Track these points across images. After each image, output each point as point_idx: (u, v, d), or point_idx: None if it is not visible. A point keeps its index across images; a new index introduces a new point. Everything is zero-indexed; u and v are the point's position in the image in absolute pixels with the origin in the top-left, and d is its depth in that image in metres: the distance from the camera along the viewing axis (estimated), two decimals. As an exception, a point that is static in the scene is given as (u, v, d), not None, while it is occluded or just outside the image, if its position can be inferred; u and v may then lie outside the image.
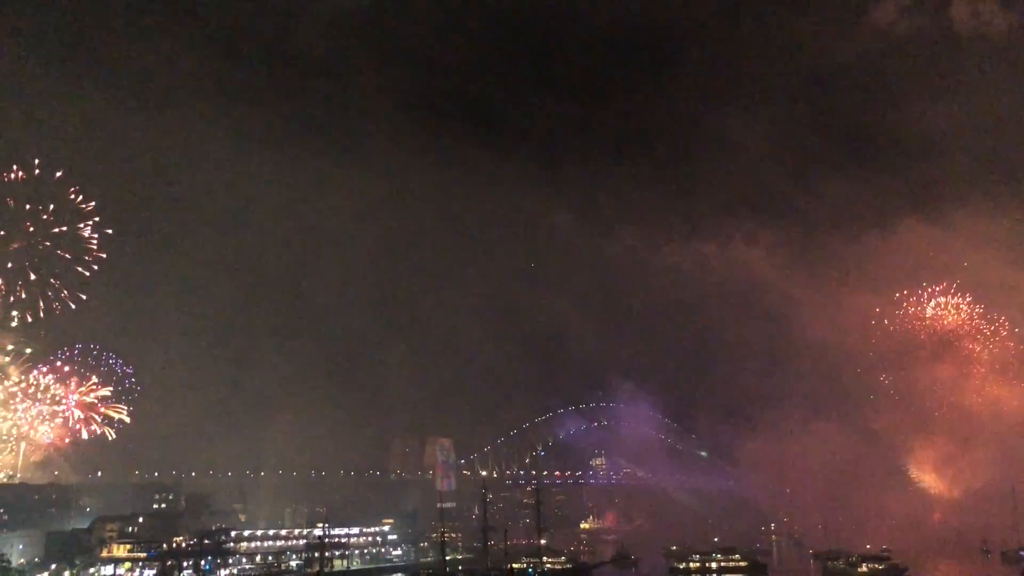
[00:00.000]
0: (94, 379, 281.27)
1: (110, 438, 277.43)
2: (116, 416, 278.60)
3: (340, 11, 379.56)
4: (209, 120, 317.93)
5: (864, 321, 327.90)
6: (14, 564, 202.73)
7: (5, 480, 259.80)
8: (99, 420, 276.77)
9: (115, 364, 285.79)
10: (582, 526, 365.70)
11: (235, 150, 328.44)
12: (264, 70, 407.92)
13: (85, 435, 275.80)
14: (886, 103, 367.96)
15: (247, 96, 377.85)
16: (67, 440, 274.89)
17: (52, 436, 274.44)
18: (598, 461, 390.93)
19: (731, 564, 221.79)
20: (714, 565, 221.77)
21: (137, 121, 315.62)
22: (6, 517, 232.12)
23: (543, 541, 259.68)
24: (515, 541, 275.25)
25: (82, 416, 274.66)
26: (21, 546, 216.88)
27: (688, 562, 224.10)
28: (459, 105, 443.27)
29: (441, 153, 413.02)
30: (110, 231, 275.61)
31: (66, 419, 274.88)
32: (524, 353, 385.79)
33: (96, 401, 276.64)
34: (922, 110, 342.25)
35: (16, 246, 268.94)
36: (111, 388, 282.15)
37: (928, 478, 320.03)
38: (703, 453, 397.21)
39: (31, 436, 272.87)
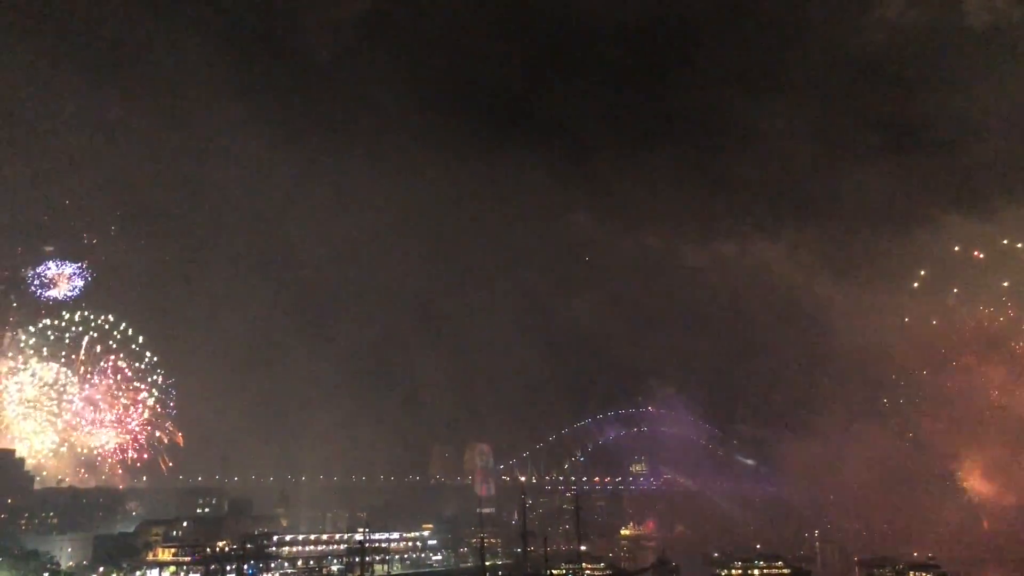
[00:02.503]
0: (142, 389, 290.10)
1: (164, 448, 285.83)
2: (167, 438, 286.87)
3: (357, 10, 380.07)
4: (236, 124, 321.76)
5: (906, 321, 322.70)
6: (64, 566, 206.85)
7: (55, 485, 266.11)
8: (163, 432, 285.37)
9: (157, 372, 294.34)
10: (622, 532, 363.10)
11: (261, 155, 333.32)
12: (285, 72, 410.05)
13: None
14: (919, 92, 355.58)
15: (271, 99, 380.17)
16: (127, 450, 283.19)
17: (113, 444, 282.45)
18: (638, 467, 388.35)
19: (774, 571, 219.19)
20: (757, 572, 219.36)
21: (160, 124, 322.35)
22: (56, 520, 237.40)
23: (583, 547, 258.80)
24: (555, 547, 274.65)
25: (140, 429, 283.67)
26: (70, 549, 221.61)
27: (730, 569, 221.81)
28: (482, 100, 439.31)
29: (465, 150, 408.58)
30: (143, 242, 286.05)
31: (132, 431, 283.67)
32: (560, 356, 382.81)
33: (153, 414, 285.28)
34: (955, 100, 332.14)
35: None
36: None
37: (977, 484, 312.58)
38: (744, 459, 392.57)
39: (84, 441, 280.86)
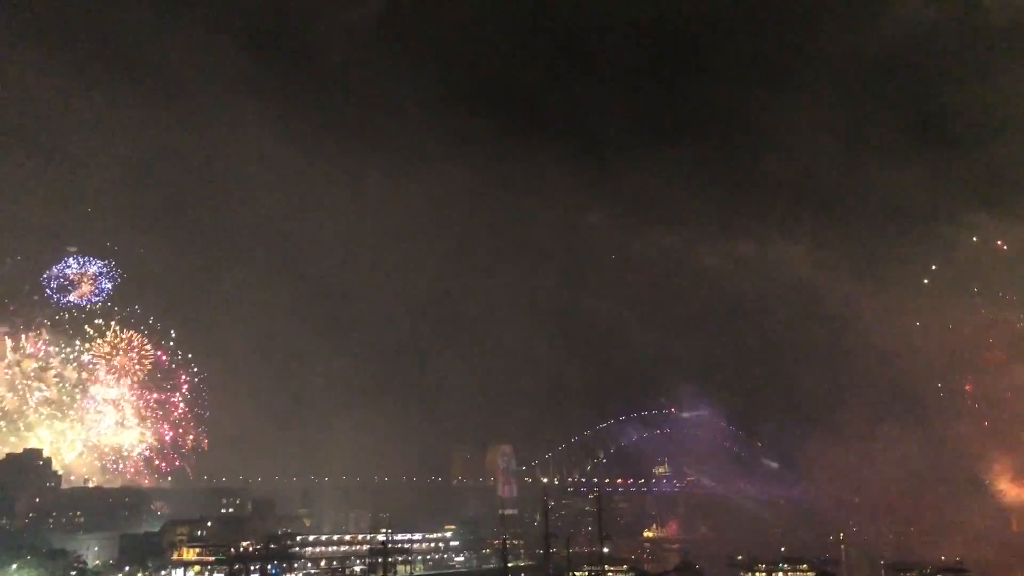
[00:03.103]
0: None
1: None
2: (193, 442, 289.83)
3: (371, 12, 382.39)
4: (255, 126, 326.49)
5: (933, 321, 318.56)
6: (90, 565, 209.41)
7: (81, 484, 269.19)
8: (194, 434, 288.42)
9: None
10: (645, 534, 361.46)
11: (280, 156, 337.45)
12: (302, 75, 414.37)
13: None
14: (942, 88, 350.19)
15: (290, 102, 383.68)
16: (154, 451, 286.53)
17: (140, 445, 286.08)
18: (661, 469, 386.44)
19: (798, 575, 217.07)
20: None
21: (181, 127, 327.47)
22: (83, 520, 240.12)
23: (605, 549, 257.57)
24: (577, 549, 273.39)
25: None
26: (97, 548, 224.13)
27: (754, 572, 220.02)
28: (499, 99, 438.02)
29: (483, 149, 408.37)
30: (163, 244, 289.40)
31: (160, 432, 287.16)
32: (581, 357, 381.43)
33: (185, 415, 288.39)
34: (980, 95, 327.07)
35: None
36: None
37: (1006, 487, 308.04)
38: (768, 460, 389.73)
39: (108, 442, 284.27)
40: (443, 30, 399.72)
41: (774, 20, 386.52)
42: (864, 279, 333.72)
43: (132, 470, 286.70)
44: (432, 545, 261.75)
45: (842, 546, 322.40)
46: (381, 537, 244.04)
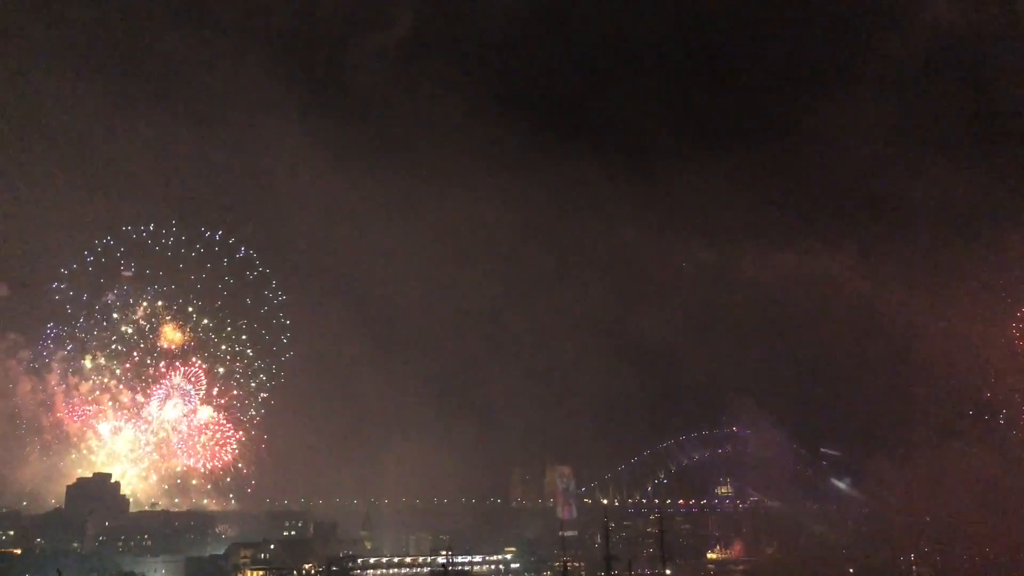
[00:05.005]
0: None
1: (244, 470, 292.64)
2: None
3: (399, 36, 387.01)
4: (301, 151, 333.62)
5: (1001, 332, 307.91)
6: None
7: (148, 508, 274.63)
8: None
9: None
10: (708, 556, 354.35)
11: (326, 181, 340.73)
12: (341, 99, 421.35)
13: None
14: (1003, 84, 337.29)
15: (333, 126, 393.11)
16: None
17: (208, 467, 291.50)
18: (723, 488, 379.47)
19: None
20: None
21: (230, 154, 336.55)
22: (150, 543, 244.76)
23: (668, 571, 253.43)
24: (639, 571, 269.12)
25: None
26: (164, 571, 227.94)
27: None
28: (535, 112, 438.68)
29: (526, 163, 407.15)
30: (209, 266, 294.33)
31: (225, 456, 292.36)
32: (638, 374, 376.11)
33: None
34: None
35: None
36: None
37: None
38: (833, 478, 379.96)
39: (173, 466, 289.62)
40: (472, 46, 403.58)
41: (819, 23, 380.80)
42: (925, 288, 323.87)
43: (196, 493, 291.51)
44: (493, 568, 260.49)
45: (914, 567, 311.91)
46: (441, 559, 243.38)
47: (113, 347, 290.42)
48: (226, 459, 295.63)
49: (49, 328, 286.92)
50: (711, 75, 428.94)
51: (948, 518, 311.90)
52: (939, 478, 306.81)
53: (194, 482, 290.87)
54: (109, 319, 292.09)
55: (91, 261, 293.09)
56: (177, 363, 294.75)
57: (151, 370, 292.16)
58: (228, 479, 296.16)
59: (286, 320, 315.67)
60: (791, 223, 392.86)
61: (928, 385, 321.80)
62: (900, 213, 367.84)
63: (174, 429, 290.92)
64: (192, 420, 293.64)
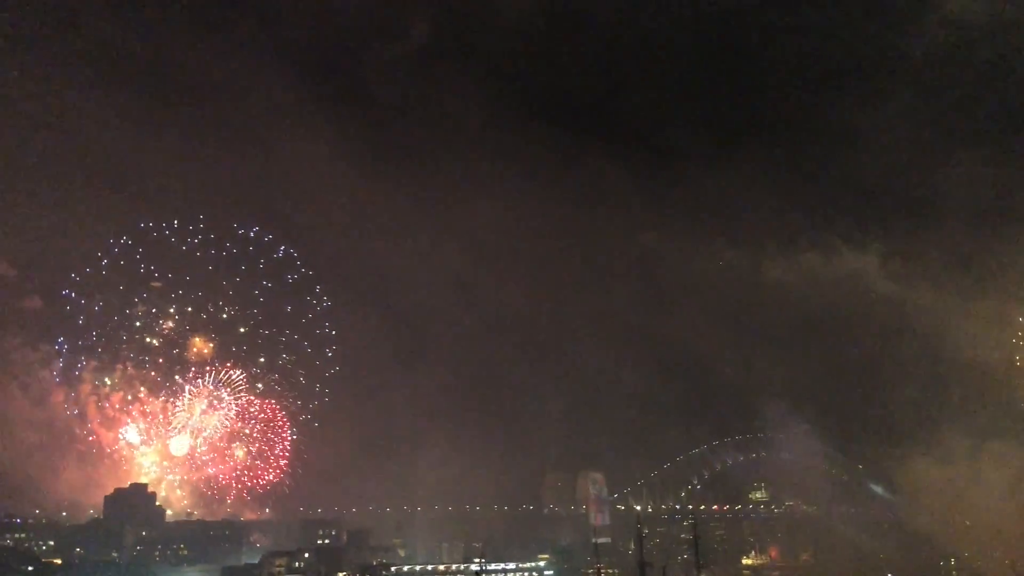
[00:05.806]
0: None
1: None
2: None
3: (415, 45, 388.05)
4: (327, 160, 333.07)
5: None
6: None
7: (184, 517, 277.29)
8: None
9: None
10: (744, 561, 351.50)
11: (351, 187, 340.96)
12: (355, 106, 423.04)
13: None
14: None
15: (356, 136, 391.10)
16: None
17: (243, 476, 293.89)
18: (758, 493, 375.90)
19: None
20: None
21: (255, 164, 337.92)
22: (186, 552, 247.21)
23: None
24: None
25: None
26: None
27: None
28: (555, 114, 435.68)
29: (545, 166, 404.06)
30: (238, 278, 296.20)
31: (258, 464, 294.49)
32: (669, 379, 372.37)
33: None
34: None
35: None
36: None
37: None
38: (870, 482, 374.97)
39: (204, 476, 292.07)
40: (490, 51, 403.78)
41: (842, 19, 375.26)
42: (958, 288, 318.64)
43: (232, 503, 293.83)
44: (525, 574, 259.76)
45: (954, 573, 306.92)
46: (475, 567, 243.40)
47: (142, 357, 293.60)
48: (269, 478, 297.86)
49: (82, 338, 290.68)
50: (732, 74, 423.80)
51: (988, 521, 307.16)
52: (977, 480, 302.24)
53: (229, 486, 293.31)
54: (138, 329, 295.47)
55: (122, 266, 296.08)
56: (209, 373, 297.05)
57: (180, 379, 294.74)
58: (262, 488, 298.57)
59: (331, 331, 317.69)
60: (817, 223, 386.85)
61: (963, 385, 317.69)
62: (928, 211, 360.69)
63: (205, 438, 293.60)
64: (227, 431, 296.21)
